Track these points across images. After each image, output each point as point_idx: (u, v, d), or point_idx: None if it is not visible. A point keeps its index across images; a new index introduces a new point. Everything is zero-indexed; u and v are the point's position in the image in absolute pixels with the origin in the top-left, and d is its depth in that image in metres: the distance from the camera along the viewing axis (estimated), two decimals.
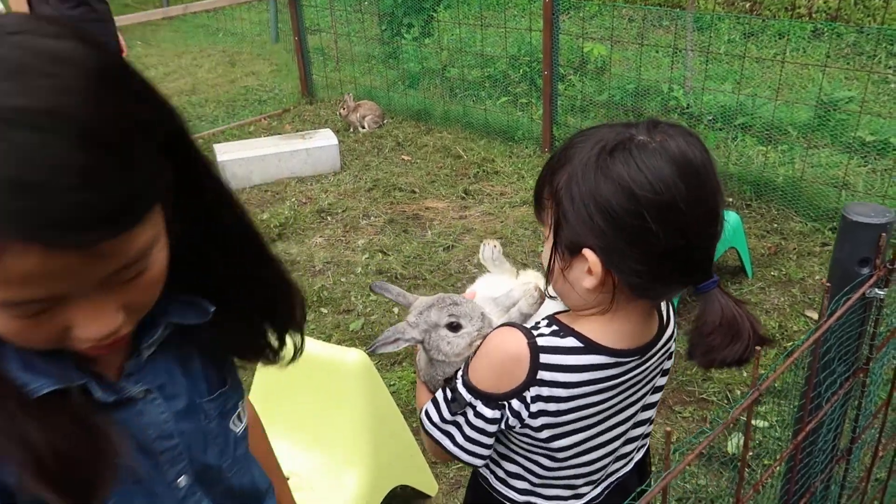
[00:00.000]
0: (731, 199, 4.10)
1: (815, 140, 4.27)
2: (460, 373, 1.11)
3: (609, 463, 1.19)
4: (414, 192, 4.57)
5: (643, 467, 1.33)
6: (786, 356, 0.91)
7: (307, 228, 4.23)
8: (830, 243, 3.62)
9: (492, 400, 1.05)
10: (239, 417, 0.93)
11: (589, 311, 1.05)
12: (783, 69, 4.53)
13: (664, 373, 1.19)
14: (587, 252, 0.98)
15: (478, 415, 1.07)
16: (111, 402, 0.76)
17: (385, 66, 6.37)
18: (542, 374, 1.03)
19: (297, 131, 5.45)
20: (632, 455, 1.24)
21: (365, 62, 6.50)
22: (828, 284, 0.91)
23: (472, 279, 4.00)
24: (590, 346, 1.04)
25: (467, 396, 1.07)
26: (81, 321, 0.65)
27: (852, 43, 6.17)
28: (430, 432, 1.13)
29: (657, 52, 5.78)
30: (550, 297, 1.16)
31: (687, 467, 2.55)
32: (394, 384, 2.87)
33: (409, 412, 2.62)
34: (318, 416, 2.10)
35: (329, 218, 4.34)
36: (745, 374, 2.82)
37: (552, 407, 1.05)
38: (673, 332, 1.16)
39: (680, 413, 2.70)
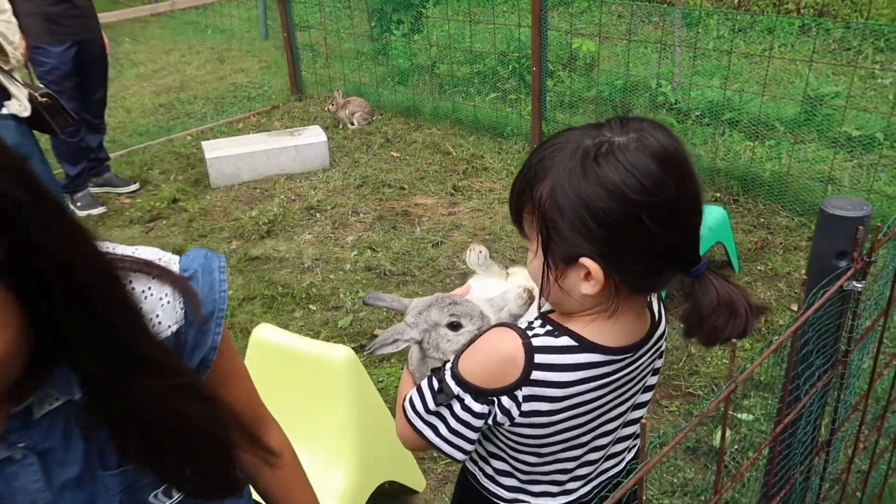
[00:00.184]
0: (718, 194, 4.13)
1: (802, 135, 4.29)
2: (448, 364, 1.10)
3: (600, 461, 1.19)
4: (403, 188, 4.57)
5: (634, 467, 1.34)
6: (761, 350, 0.92)
7: (296, 225, 4.22)
8: None
9: (481, 395, 1.05)
10: (166, 493, 0.86)
11: (587, 315, 1.05)
12: (771, 65, 4.55)
13: (655, 372, 1.20)
14: (586, 261, 0.97)
15: (465, 408, 1.07)
16: None
17: (374, 63, 6.36)
18: (536, 375, 1.03)
19: (287, 128, 5.44)
20: (623, 454, 1.24)
21: (354, 59, 6.48)
22: (804, 277, 0.92)
23: (461, 275, 4.02)
24: (584, 345, 1.04)
25: (455, 389, 1.06)
26: None
27: (839, 38, 6.20)
28: (413, 421, 1.12)
29: (646, 48, 5.79)
30: (537, 316, 1.15)
31: (673, 461, 2.58)
32: (382, 381, 2.87)
33: None
34: (305, 412, 2.10)
35: (318, 215, 4.33)
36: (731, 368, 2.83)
37: (545, 406, 1.05)
38: (664, 330, 1.16)
39: (666, 407, 2.71)
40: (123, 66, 7.74)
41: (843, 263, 1.13)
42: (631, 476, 0.77)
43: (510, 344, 1.04)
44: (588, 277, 0.99)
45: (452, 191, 4.49)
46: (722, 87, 4.42)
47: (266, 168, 4.84)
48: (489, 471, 1.21)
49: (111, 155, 4.95)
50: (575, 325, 1.05)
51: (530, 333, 1.05)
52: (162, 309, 0.82)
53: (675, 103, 4.71)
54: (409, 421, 1.13)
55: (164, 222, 4.35)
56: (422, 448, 1.16)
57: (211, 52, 8.13)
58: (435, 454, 2.55)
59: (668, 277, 1.01)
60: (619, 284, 1.00)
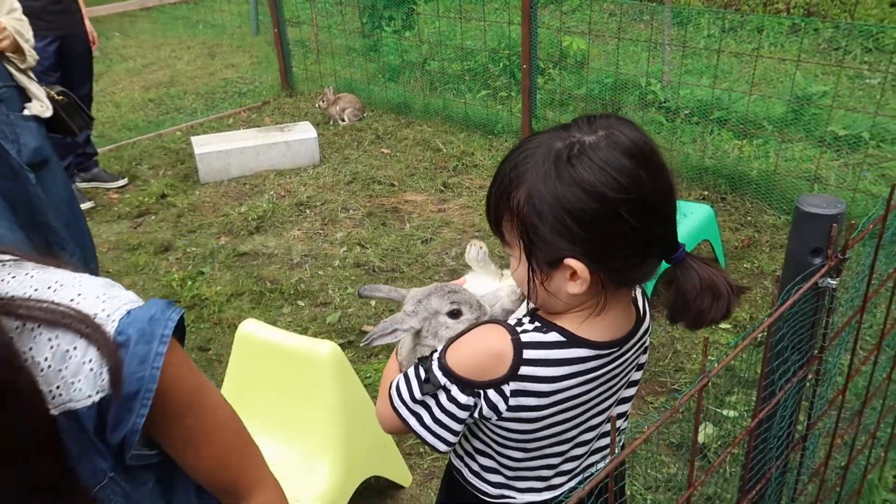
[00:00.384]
0: (706, 193, 4.15)
1: (790, 134, 4.32)
2: (436, 355, 1.10)
3: (585, 456, 1.20)
4: (393, 185, 4.58)
5: (620, 462, 1.35)
6: (734, 346, 0.93)
7: (285, 221, 4.22)
8: None
9: (468, 386, 1.05)
10: None
11: (576, 312, 1.06)
12: (760, 64, 4.58)
13: (639, 367, 1.21)
14: (571, 262, 0.98)
15: (451, 399, 1.07)
16: None
17: (365, 59, 6.35)
18: (525, 370, 1.04)
19: (277, 124, 5.43)
20: (607, 449, 1.25)
21: (345, 55, 6.47)
22: (777, 274, 0.93)
23: (450, 272, 4.02)
24: (572, 340, 1.05)
25: (442, 379, 1.07)
26: None
27: (829, 38, 6.24)
28: (398, 409, 1.12)
29: (636, 46, 5.81)
30: (526, 313, 1.15)
31: (657, 456, 2.59)
32: (370, 377, 2.88)
33: None
34: (291, 407, 2.10)
35: (307, 211, 4.33)
36: (716, 364, 2.85)
37: (533, 402, 1.06)
38: (648, 325, 1.18)
39: (651, 403, 2.73)
40: (113, 61, 7.70)
41: (817, 260, 1.14)
42: (600, 470, 0.78)
43: (499, 340, 1.05)
44: (574, 277, 1.00)
45: (442, 188, 4.50)
46: (711, 86, 4.45)
47: (256, 164, 4.83)
48: (475, 467, 1.22)
49: (99, 150, 4.93)
50: (563, 322, 1.06)
51: (519, 329, 1.06)
52: (84, 375, 0.74)
53: (665, 102, 4.73)
54: (394, 408, 1.13)
55: (153, 218, 4.33)
56: (400, 432, 1.16)
57: (202, 47, 8.10)
58: (422, 449, 2.56)
59: (651, 267, 1.03)
60: (605, 280, 1.01)
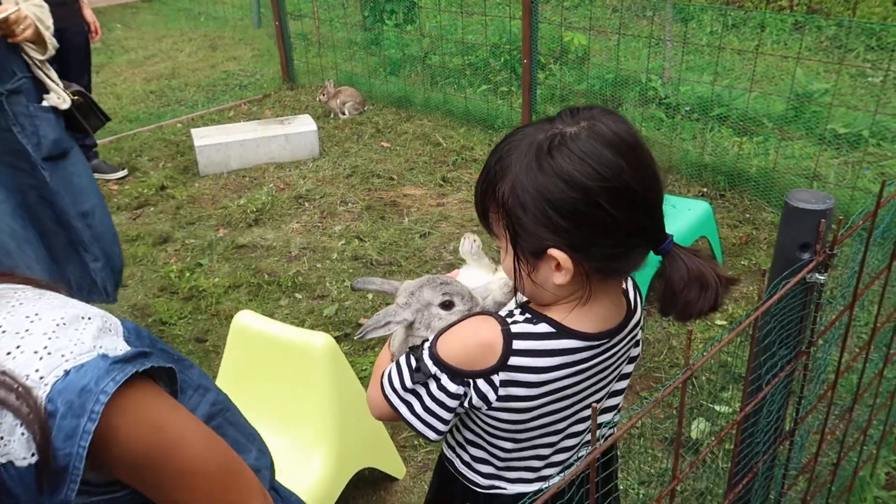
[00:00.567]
0: (704, 189, 4.15)
1: (790, 132, 4.32)
2: (427, 344, 1.11)
3: (576, 448, 1.21)
4: (392, 178, 4.58)
5: (611, 455, 1.36)
6: (717, 340, 0.93)
7: (284, 214, 4.23)
8: None
9: (458, 375, 1.06)
10: None
11: (564, 303, 1.07)
12: (762, 61, 4.57)
13: (631, 360, 1.22)
14: (554, 252, 0.99)
15: (441, 388, 1.08)
16: None
17: (367, 53, 6.35)
18: (514, 360, 1.04)
19: (277, 117, 5.43)
20: (606, 443, 1.26)
21: (347, 48, 6.47)
22: (764, 269, 0.94)
23: (448, 266, 4.04)
24: (562, 331, 1.06)
25: (432, 368, 1.08)
26: None
27: (832, 36, 6.22)
28: (389, 397, 1.13)
29: (637, 42, 5.80)
30: (517, 306, 1.16)
31: (651, 451, 2.60)
32: (366, 369, 2.89)
33: None
34: (285, 398, 2.11)
35: (306, 204, 4.33)
36: (712, 362, 2.86)
37: (522, 392, 1.06)
38: (640, 319, 1.18)
39: (646, 399, 2.73)
40: (114, 53, 7.70)
41: (805, 256, 1.14)
42: (579, 461, 0.78)
43: (489, 330, 1.06)
44: (559, 268, 1.00)
45: (441, 182, 4.50)
46: (712, 83, 4.44)
47: (255, 156, 4.83)
48: (466, 457, 1.23)
49: (99, 141, 4.94)
50: (553, 313, 1.07)
51: (510, 321, 1.07)
52: (17, 438, 0.70)
53: (665, 98, 4.72)
54: (385, 396, 1.14)
55: (152, 209, 4.34)
56: (390, 419, 1.17)
57: (203, 39, 8.10)
58: (416, 442, 2.57)
59: (637, 258, 1.03)
60: (589, 271, 1.01)
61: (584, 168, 0.94)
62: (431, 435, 1.12)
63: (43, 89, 2.45)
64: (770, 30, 6.32)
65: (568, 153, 0.95)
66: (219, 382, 2.16)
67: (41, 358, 0.72)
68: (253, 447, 1.10)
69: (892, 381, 1.99)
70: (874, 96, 4.84)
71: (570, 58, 5.35)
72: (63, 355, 0.73)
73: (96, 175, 4.68)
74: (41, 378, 0.72)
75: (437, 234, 3.93)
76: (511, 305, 1.21)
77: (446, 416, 1.10)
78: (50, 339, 0.74)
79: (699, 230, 3.19)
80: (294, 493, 1.21)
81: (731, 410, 2.63)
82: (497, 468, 1.21)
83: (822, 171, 4.02)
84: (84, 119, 2.61)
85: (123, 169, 4.78)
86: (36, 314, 0.76)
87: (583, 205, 0.95)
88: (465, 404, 1.09)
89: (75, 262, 2.63)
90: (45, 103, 2.43)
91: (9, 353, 0.72)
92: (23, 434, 0.70)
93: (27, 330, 0.74)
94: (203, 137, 4.82)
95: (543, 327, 1.06)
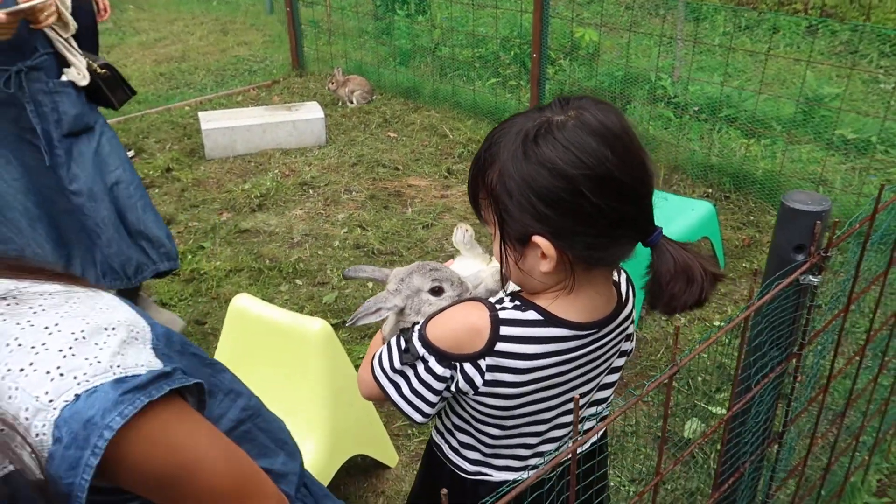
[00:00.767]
0: (710, 190, 4.13)
1: (798, 135, 4.29)
2: (417, 327, 1.12)
3: (564, 439, 1.21)
4: (397, 169, 4.58)
5: (602, 448, 1.36)
6: (706, 338, 0.93)
7: (288, 200, 4.23)
8: None
9: (445, 358, 1.07)
10: None
11: (551, 292, 1.08)
12: (774, 63, 4.54)
13: (622, 354, 1.22)
14: (537, 239, 1.00)
15: (428, 370, 1.09)
16: None
17: (377, 42, 6.34)
18: (501, 346, 1.05)
19: (285, 103, 5.43)
20: (588, 433, 1.26)
21: (357, 37, 6.46)
22: (755, 268, 0.93)
23: (449, 258, 4.06)
24: (550, 319, 1.06)
25: (421, 350, 1.09)
26: None
27: (845, 41, 6.18)
28: (378, 378, 1.15)
29: (649, 40, 5.77)
30: (509, 293, 1.17)
31: (643, 449, 2.60)
32: (362, 357, 2.89)
33: None
34: (280, 382, 2.12)
35: (311, 191, 4.34)
36: (708, 363, 2.86)
37: (509, 378, 1.07)
38: (630, 312, 1.18)
39: (634, 395, 2.73)
40: (126, 34, 7.71)
41: (800, 257, 1.14)
42: (548, 459, 0.78)
43: (478, 316, 1.07)
44: (544, 256, 1.01)
45: (446, 174, 4.50)
46: (721, 84, 4.41)
47: (262, 142, 4.84)
48: (454, 443, 1.24)
49: (107, 121, 4.94)
50: (541, 301, 1.08)
51: (499, 307, 1.08)
52: (27, 454, 0.70)
53: (674, 97, 4.70)
54: (374, 377, 1.15)
55: (157, 191, 4.35)
56: (377, 399, 1.18)
57: (215, 23, 8.09)
58: (409, 431, 2.58)
59: (623, 249, 1.04)
60: (573, 260, 1.02)
61: (566, 156, 0.95)
62: (417, 417, 1.13)
63: (65, 65, 2.44)
64: (783, 32, 6.28)
65: (552, 141, 0.96)
66: None
67: (52, 379, 0.71)
68: (282, 452, 1.10)
69: (887, 388, 1.99)
70: (885, 102, 4.80)
71: (580, 54, 5.33)
72: (76, 377, 0.72)
73: None
74: (50, 402, 0.70)
75: (439, 225, 3.93)
76: (503, 294, 1.22)
77: (432, 398, 1.11)
78: (65, 357, 0.73)
79: (701, 231, 3.18)
80: (324, 486, 1.21)
81: (725, 411, 2.63)
82: (484, 455, 1.22)
83: (828, 175, 4.00)
84: (111, 92, 2.60)
85: (130, 150, 4.79)
86: (55, 325, 0.75)
87: (565, 193, 0.95)
88: (452, 388, 1.10)
89: (87, 247, 2.62)
90: (63, 78, 2.42)
91: (22, 370, 0.71)
92: (30, 454, 0.70)
93: (43, 344, 0.73)
94: (210, 121, 4.82)
95: (531, 315, 1.07)
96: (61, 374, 0.72)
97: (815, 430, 1.48)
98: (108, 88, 2.58)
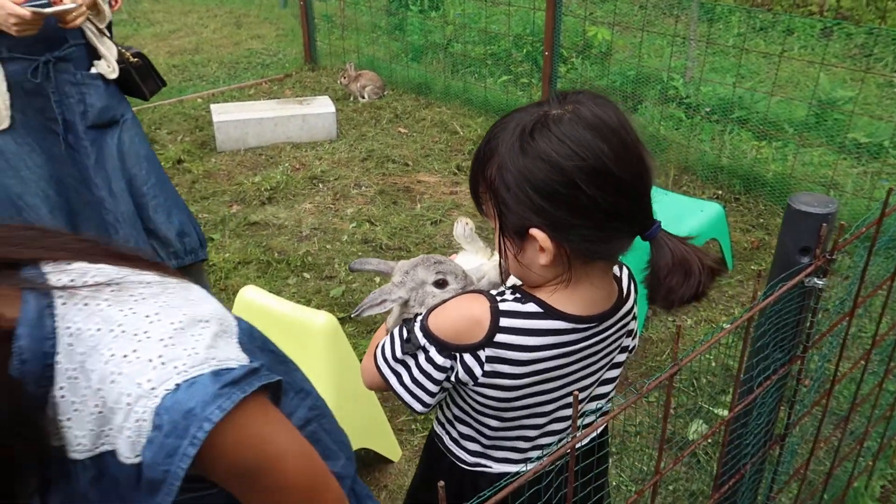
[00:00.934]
0: (719, 192, 4.11)
1: (810, 138, 4.27)
2: (419, 318, 1.14)
3: (565, 433, 1.22)
4: (407, 164, 4.58)
5: (602, 445, 1.37)
6: (705, 339, 0.93)
7: (298, 194, 4.25)
8: None
9: (445, 348, 1.09)
10: None
11: (550, 286, 1.09)
12: (787, 65, 4.51)
13: (623, 349, 1.23)
14: (534, 231, 1.01)
15: (429, 359, 1.10)
16: None
17: (389, 38, 6.34)
18: (500, 337, 1.07)
19: (297, 97, 5.45)
20: (587, 428, 1.27)
21: (370, 32, 6.46)
22: (754, 268, 0.93)
23: (456, 254, 4.05)
24: (549, 312, 1.07)
25: (422, 340, 1.10)
26: None
27: (861, 44, 6.13)
28: (380, 367, 1.16)
29: (662, 40, 5.75)
30: (510, 286, 1.18)
31: (647, 450, 2.59)
32: None
33: None
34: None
35: (320, 185, 4.35)
36: (713, 364, 2.85)
37: (508, 369, 1.09)
38: (632, 307, 1.19)
39: (646, 398, 2.73)
40: (140, 25, 7.75)
41: (805, 259, 1.14)
42: (547, 454, 0.78)
43: (478, 307, 1.08)
44: (542, 249, 1.02)
45: (456, 170, 4.50)
46: (734, 85, 4.39)
47: (273, 135, 4.85)
48: (454, 434, 1.25)
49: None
50: (542, 294, 1.09)
51: (499, 299, 1.09)
52: (123, 439, 0.74)
53: (686, 98, 4.68)
54: (377, 366, 1.17)
55: None
56: (379, 388, 1.20)
57: (229, 15, 8.12)
58: (413, 426, 2.59)
59: (621, 242, 1.04)
60: (570, 253, 1.03)
61: (561, 149, 0.96)
62: (417, 406, 1.14)
63: (95, 56, 2.44)
64: (798, 34, 6.23)
65: (548, 135, 0.97)
66: None
67: (154, 368, 0.73)
68: (342, 455, 1.11)
69: (893, 393, 1.98)
70: None
71: (592, 52, 5.31)
72: (175, 367, 0.74)
73: None
74: (152, 389, 0.73)
75: (448, 221, 3.94)
76: (504, 287, 1.23)
77: (433, 388, 1.12)
78: (166, 346, 0.75)
79: (710, 232, 3.17)
80: (367, 487, 1.22)
81: (728, 413, 2.62)
82: (483, 446, 1.23)
83: (839, 179, 3.97)
84: (142, 82, 2.60)
85: None
86: (156, 314, 0.77)
87: (561, 185, 0.97)
88: (452, 379, 1.11)
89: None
90: (93, 70, 2.43)
91: (125, 356, 0.74)
92: (129, 437, 0.73)
93: (145, 332, 0.75)
94: (222, 113, 4.84)
95: (531, 307, 1.08)
96: (162, 363, 0.74)
97: (818, 434, 1.47)
98: (140, 78, 2.58)
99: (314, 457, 0.89)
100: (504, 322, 1.06)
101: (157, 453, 0.73)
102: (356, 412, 2.18)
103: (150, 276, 0.83)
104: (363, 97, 5.55)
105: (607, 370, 1.22)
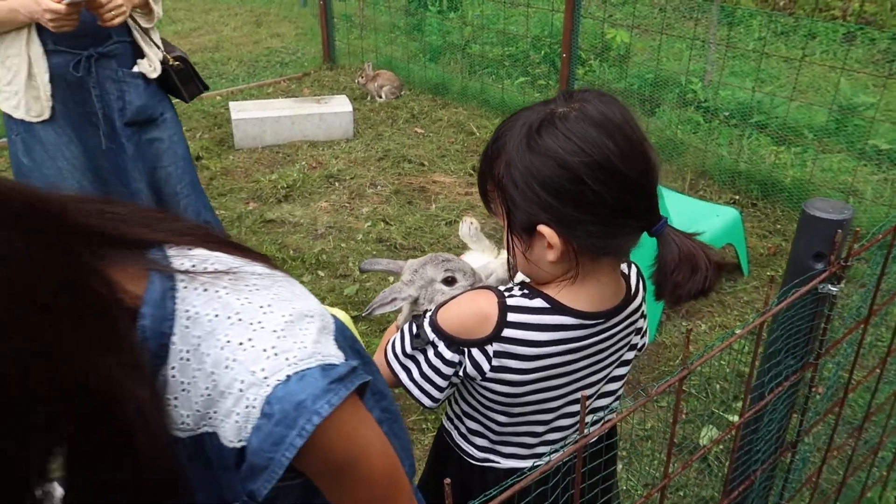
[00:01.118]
0: (737, 197, 4.08)
1: (830, 144, 4.22)
2: (428, 313, 1.15)
3: (572, 428, 1.23)
4: (423, 164, 4.59)
5: (610, 447, 1.37)
6: (729, 349, 0.93)
7: (314, 192, 4.27)
8: None
9: (453, 343, 1.10)
10: None
11: (558, 282, 1.10)
12: (809, 70, 4.47)
13: (632, 347, 1.23)
14: (542, 228, 1.02)
15: (437, 354, 1.12)
16: None
17: (408, 38, 6.36)
18: (508, 332, 1.08)
19: (315, 96, 5.48)
20: (595, 428, 1.27)
21: (389, 32, 6.48)
22: (770, 274, 0.93)
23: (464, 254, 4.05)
24: (556, 307, 1.08)
25: (431, 335, 1.12)
26: None
27: (884, 49, 6.05)
28: (391, 362, 1.17)
29: (681, 43, 5.71)
30: (518, 282, 1.18)
31: (658, 455, 2.58)
32: None
33: None
34: None
35: (336, 184, 4.37)
36: (727, 369, 2.83)
37: (515, 364, 1.10)
38: (640, 305, 1.19)
39: (658, 403, 2.72)
40: (161, 23, 7.79)
41: (819, 265, 1.13)
42: (535, 468, 0.78)
43: (486, 302, 1.10)
44: (550, 246, 1.03)
45: (472, 171, 4.50)
46: (753, 89, 4.36)
47: (290, 133, 4.89)
48: (463, 429, 1.26)
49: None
50: (549, 290, 1.10)
51: (507, 294, 1.11)
52: (230, 423, 0.76)
53: (704, 102, 4.65)
54: (387, 361, 1.18)
55: None
56: (390, 384, 1.21)
57: (249, 14, 8.18)
58: (424, 425, 2.60)
59: (627, 238, 1.05)
60: (578, 249, 1.04)
61: (568, 146, 0.97)
62: (426, 401, 1.16)
63: (139, 55, 2.46)
64: (820, 39, 6.17)
65: (555, 132, 0.98)
66: None
67: (268, 357, 0.75)
68: (406, 461, 1.11)
69: None
70: None
71: (610, 55, 5.30)
72: (287, 358, 0.76)
73: None
74: (265, 378, 0.75)
75: None
76: (512, 283, 1.24)
77: (441, 383, 1.13)
78: (278, 337, 0.77)
79: (725, 237, 3.15)
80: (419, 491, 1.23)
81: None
82: (492, 441, 1.24)
83: (859, 186, 3.93)
84: (183, 85, 2.63)
85: None
86: (269, 305, 0.79)
87: (567, 181, 0.98)
88: (461, 373, 1.12)
89: None
90: (135, 69, 2.45)
91: (241, 344, 0.75)
92: (236, 422, 0.75)
93: (260, 323, 0.77)
94: (240, 111, 4.88)
95: (538, 302, 1.09)
96: (275, 354, 0.76)
97: (831, 442, 1.46)
98: (181, 81, 2.60)
99: (393, 455, 0.91)
100: (511, 317, 1.07)
101: (263, 441, 0.75)
102: None
103: (260, 268, 0.85)
104: (380, 97, 5.57)
105: (615, 368, 1.22)
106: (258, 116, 4.82)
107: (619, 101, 1.02)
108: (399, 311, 1.34)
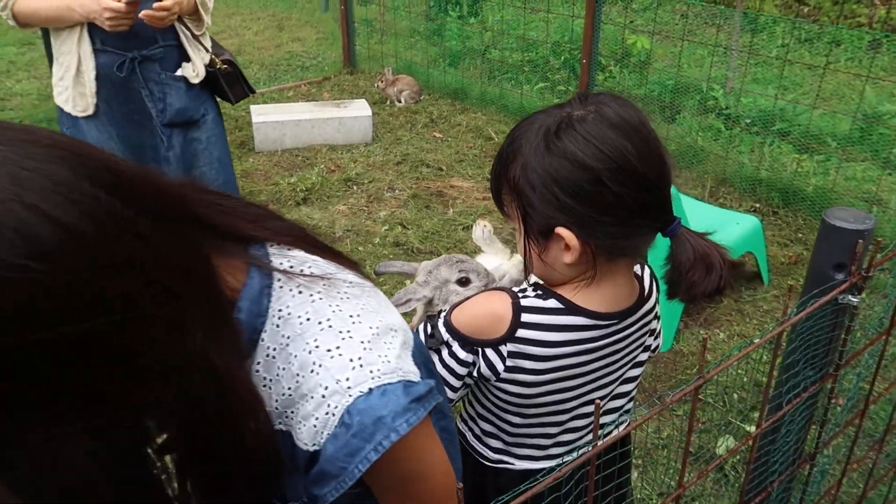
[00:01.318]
0: (757, 205, 4.04)
1: (854, 153, 4.17)
2: (443, 314, 1.15)
3: (586, 429, 1.23)
4: (441, 169, 4.60)
5: (624, 454, 1.36)
6: (746, 359, 0.92)
7: (332, 195, 4.30)
8: None
9: (468, 343, 1.11)
10: None
11: (573, 283, 1.10)
12: (832, 78, 4.42)
13: (646, 349, 1.23)
14: (561, 230, 1.02)
15: (452, 354, 1.12)
16: None
17: (428, 43, 6.38)
18: (522, 332, 1.08)
19: (335, 100, 5.51)
20: (610, 428, 1.27)
21: (409, 37, 6.51)
22: (790, 283, 0.92)
23: (477, 256, 4.06)
24: (570, 308, 1.09)
25: (445, 335, 1.12)
26: None
27: None
28: None
29: (703, 49, 5.68)
30: (532, 283, 1.18)
31: (674, 464, 2.56)
32: None
33: None
34: None
35: (355, 187, 4.39)
36: (745, 379, 2.80)
37: (529, 365, 1.10)
38: (654, 306, 1.19)
39: (675, 412, 2.70)
40: None
41: (840, 276, 1.12)
42: (567, 462, 0.78)
43: (500, 303, 1.10)
44: (567, 248, 1.03)
45: (489, 176, 4.50)
46: (775, 97, 4.32)
47: (310, 137, 4.92)
48: (477, 431, 1.27)
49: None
50: (563, 291, 1.10)
51: (521, 295, 1.11)
52: (308, 427, 0.76)
53: (725, 109, 4.61)
54: None
55: None
56: None
57: (271, 18, 8.25)
58: None
59: (643, 239, 1.06)
60: (595, 250, 1.04)
61: (588, 148, 0.97)
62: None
63: (185, 58, 2.49)
64: (845, 46, 6.10)
65: (574, 135, 0.99)
66: None
67: (353, 368, 0.76)
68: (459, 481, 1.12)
69: None
70: None
71: (631, 61, 5.27)
72: (371, 371, 0.76)
73: None
74: (348, 388, 0.75)
75: None
76: (526, 284, 1.24)
77: (455, 383, 1.14)
78: (365, 349, 0.77)
79: (745, 245, 3.12)
80: None
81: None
82: (506, 443, 1.24)
83: (883, 195, 3.87)
84: (229, 88, 2.65)
85: None
86: (358, 315, 0.79)
87: (587, 183, 0.98)
88: (475, 374, 1.13)
89: None
90: (178, 72, 2.48)
91: (328, 351, 0.76)
92: (314, 426, 0.75)
93: (349, 332, 0.78)
94: (261, 115, 4.92)
95: (552, 303, 1.09)
96: (361, 365, 0.76)
97: (851, 455, 1.44)
98: (227, 84, 2.63)
99: (454, 475, 0.92)
100: (525, 317, 1.08)
101: (339, 449, 0.75)
102: None
103: (352, 276, 0.86)
104: (400, 101, 5.59)
105: (629, 369, 1.22)
106: (278, 120, 4.86)
107: (633, 104, 1.03)
108: (414, 312, 1.35)
